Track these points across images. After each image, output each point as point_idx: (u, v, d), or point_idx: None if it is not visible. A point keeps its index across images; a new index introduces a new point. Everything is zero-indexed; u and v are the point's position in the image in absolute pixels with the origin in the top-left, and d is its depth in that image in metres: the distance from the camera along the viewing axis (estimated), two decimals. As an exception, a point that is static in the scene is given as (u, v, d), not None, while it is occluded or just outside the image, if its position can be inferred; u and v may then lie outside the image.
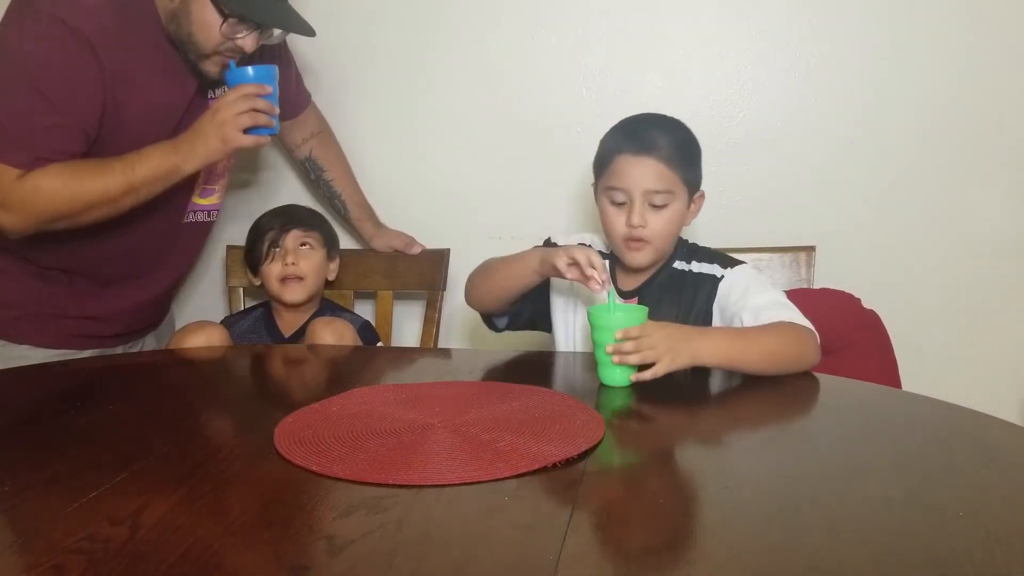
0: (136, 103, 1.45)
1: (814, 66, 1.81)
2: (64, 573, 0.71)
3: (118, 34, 1.41)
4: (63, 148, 1.40)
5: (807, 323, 1.27)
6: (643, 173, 1.33)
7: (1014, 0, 1.75)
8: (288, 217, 1.77)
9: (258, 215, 1.86)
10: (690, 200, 1.39)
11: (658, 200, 1.34)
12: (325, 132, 1.89)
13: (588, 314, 1.23)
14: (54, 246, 1.51)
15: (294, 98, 1.82)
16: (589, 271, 1.24)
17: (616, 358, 1.17)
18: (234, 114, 1.41)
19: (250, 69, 1.46)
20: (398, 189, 1.94)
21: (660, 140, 1.34)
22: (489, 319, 1.53)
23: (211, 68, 1.49)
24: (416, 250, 1.88)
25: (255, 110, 1.42)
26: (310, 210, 1.84)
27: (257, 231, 1.76)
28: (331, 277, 1.83)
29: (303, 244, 1.74)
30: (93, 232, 1.48)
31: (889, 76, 1.80)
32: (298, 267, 1.71)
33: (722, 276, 1.37)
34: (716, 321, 1.37)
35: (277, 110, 1.47)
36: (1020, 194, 1.80)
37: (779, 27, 1.81)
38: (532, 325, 1.55)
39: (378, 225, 1.90)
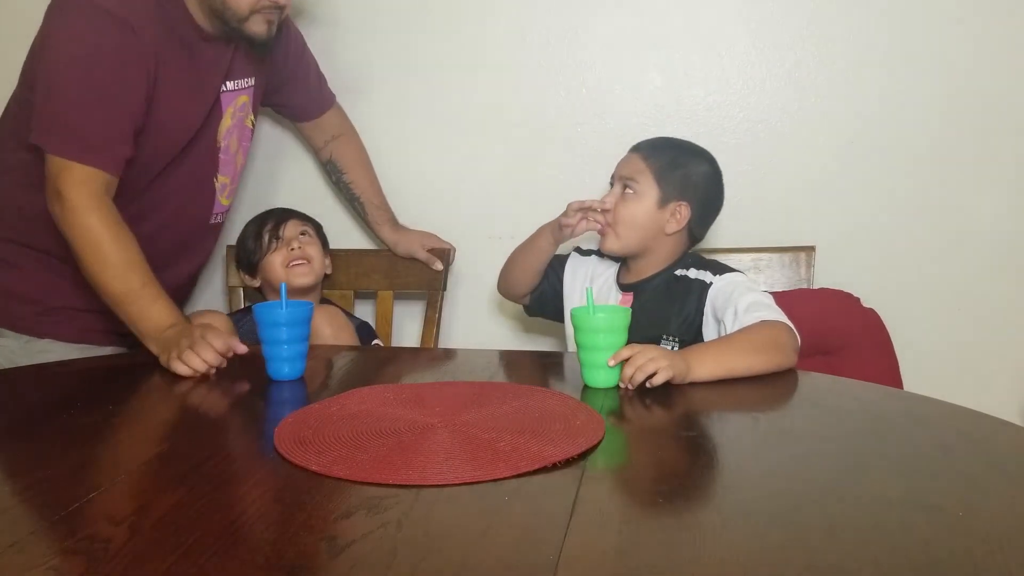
0: (169, 93, 1.48)
1: (814, 66, 1.81)
2: (64, 573, 0.71)
3: (158, 22, 1.44)
4: (118, 137, 1.42)
5: (784, 319, 1.30)
6: (626, 162, 1.51)
7: (1014, 0, 1.75)
8: (281, 212, 1.80)
9: (256, 211, 1.86)
10: (664, 205, 1.45)
11: (628, 185, 1.47)
12: (347, 135, 1.89)
13: (571, 316, 1.23)
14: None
15: (315, 99, 1.84)
16: (589, 211, 1.46)
17: (624, 384, 1.19)
18: (185, 350, 1.31)
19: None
20: (399, 188, 1.93)
21: (655, 146, 1.51)
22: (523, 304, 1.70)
23: (256, 28, 1.49)
24: (438, 267, 1.85)
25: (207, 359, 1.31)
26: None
27: (251, 231, 1.78)
28: (328, 271, 1.84)
29: (302, 233, 1.76)
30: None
31: (889, 76, 1.79)
32: (303, 250, 1.73)
33: (711, 282, 1.42)
34: (707, 323, 1.41)
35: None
36: (1020, 194, 1.80)
37: (779, 27, 1.81)
38: (557, 312, 1.63)
39: (396, 229, 1.88)
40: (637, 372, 1.17)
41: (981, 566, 0.70)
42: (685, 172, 1.48)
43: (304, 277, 1.72)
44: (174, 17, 1.47)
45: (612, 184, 1.51)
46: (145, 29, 1.42)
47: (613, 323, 1.21)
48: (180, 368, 1.29)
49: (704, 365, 1.21)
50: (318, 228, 1.82)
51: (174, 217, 1.60)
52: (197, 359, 1.29)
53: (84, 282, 1.56)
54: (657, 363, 1.17)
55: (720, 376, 1.21)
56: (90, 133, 1.40)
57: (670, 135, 1.59)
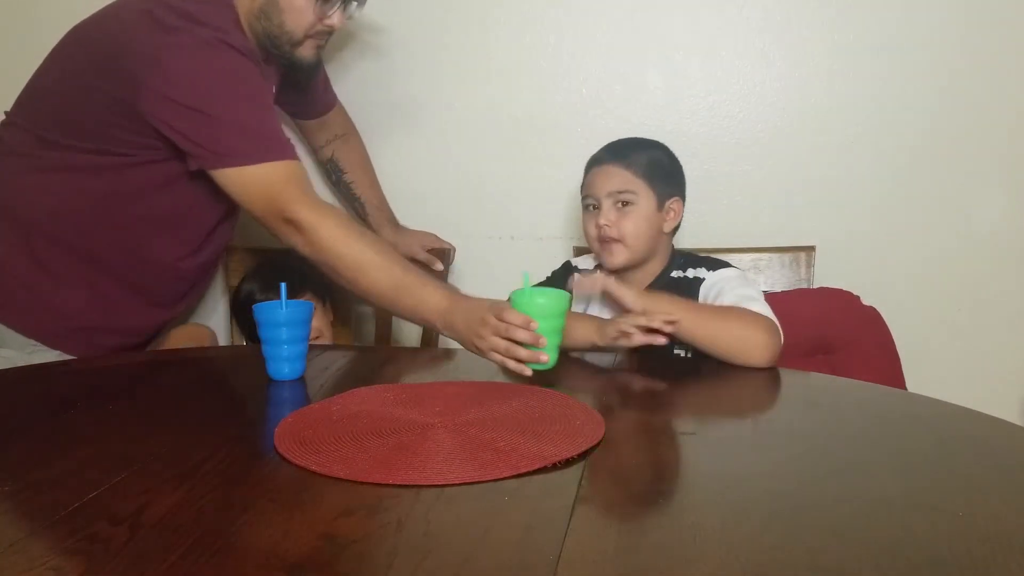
0: None
1: (814, 66, 1.81)
2: (64, 573, 0.71)
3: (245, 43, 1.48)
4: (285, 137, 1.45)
5: (770, 315, 1.29)
6: (607, 177, 1.45)
7: (1014, 0, 1.75)
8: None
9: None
10: (661, 206, 1.44)
11: (623, 200, 1.42)
12: (349, 135, 1.89)
13: (510, 300, 1.25)
14: (142, 270, 1.53)
15: (320, 98, 1.85)
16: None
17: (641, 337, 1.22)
18: (491, 347, 1.23)
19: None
20: (399, 189, 1.94)
21: (626, 151, 1.47)
22: None
23: (306, 53, 1.53)
24: (438, 267, 1.84)
25: (511, 343, 1.23)
26: (296, 266, 1.79)
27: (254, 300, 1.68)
28: (331, 318, 1.83)
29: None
30: (177, 252, 1.54)
31: (889, 76, 1.80)
32: (315, 326, 1.64)
33: (705, 278, 1.43)
34: None
35: (544, 356, 1.23)
36: (1020, 194, 1.80)
37: (779, 27, 1.81)
38: None
39: (397, 230, 1.88)
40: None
41: (981, 566, 0.71)
42: (664, 168, 1.47)
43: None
44: (244, 38, 1.49)
45: (588, 203, 1.46)
46: (248, 51, 1.45)
47: (552, 306, 1.21)
48: (511, 365, 1.22)
49: (673, 303, 1.26)
50: (314, 284, 1.75)
51: (210, 230, 1.61)
52: (498, 355, 1.22)
53: (121, 301, 1.56)
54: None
55: (692, 329, 1.25)
56: (278, 133, 1.41)
57: (630, 135, 1.55)
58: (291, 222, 1.37)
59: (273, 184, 1.38)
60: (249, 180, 1.39)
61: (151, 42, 1.39)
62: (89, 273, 1.53)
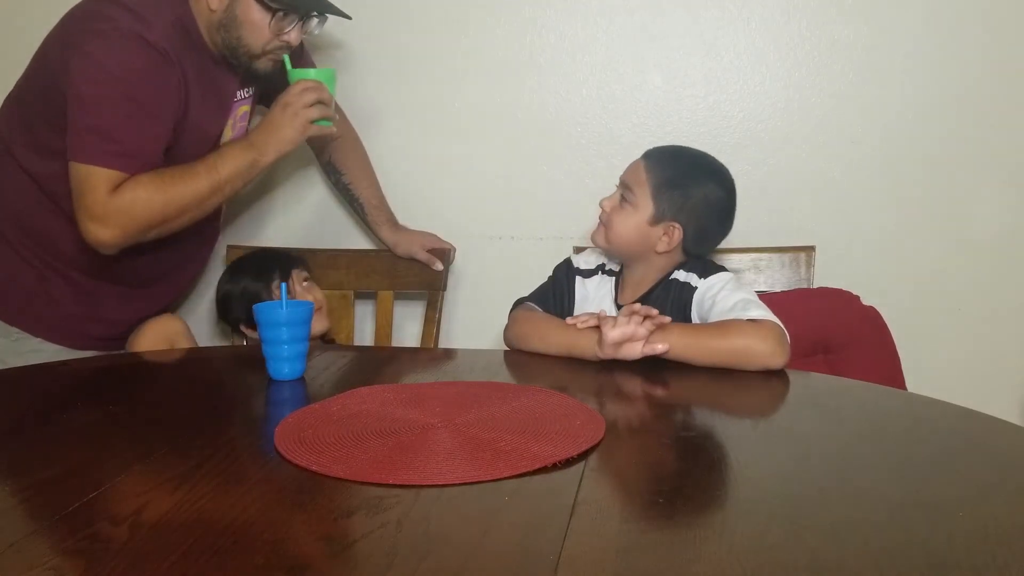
0: (189, 121, 1.50)
1: (814, 67, 1.81)
2: (64, 573, 0.71)
3: (184, 49, 1.46)
4: (158, 152, 1.44)
5: (772, 318, 1.28)
6: (631, 168, 1.46)
7: (1014, 0, 1.75)
8: (279, 261, 1.74)
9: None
10: (657, 221, 1.40)
11: (624, 194, 1.43)
12: (347, 137, 1.88)
13: (290, 77, 1.51)
14: (108, 260, 1.51)
15: None
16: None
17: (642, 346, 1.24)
18: (303, 105, 1.48)
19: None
20: (400, 189, 1.93)
21: (661, 158, 1.45)
22: None
23: (264, 65, 1.54)
24: (438, 267, 1.85)
25: (320, 102, 1.49)
26: (283, 250, 1.83)
27: (252, 288, 1.71)
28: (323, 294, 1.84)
29: (305, 280, 1.74)
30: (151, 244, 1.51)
31: (889, 76, 1.79)
32: (313, 297, 1.70)
33: (697, 286, 1.40)
34: None
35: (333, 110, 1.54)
36: (1020, 194, 1.80)
37: (779, 27, 1.81)
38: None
39: (396, 230, 1.87)
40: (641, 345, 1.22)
41: (981, 566, 0.71)
42: (684, 192, 1.41)
43: (323, 324, 1.71)
44: (195, 42, 1.49)
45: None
46: (177, 56, 1.44)
47: (325, 77, 1.48)
48: (314, 129, 1.50)
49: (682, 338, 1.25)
50: (304, 263, 1.78)
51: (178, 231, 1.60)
52: (312, 110, 1.48)
53: (98, 290, 1.57)
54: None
55: (692, 351, 1.25)
56: (134, 146, 1.41)
57: (682, 144, 1.52)
58: (98, 218, 1.39)
59: (95, 187, 1.38)
60: (73, 176, 1.40)
61: (85, 29, 1.42)
62: (60, 265, 1.55)
